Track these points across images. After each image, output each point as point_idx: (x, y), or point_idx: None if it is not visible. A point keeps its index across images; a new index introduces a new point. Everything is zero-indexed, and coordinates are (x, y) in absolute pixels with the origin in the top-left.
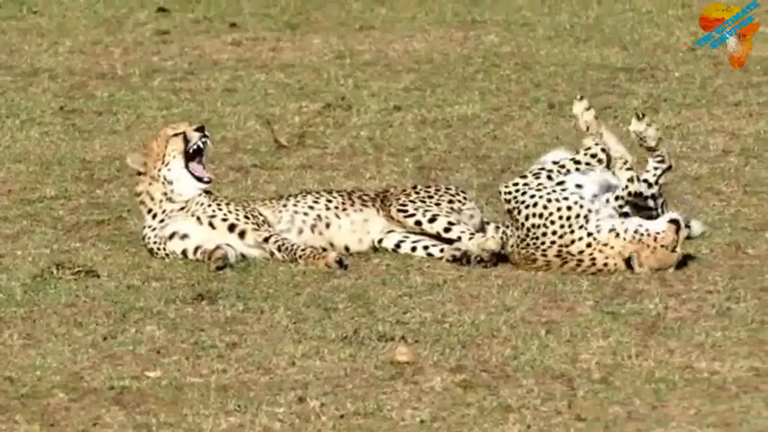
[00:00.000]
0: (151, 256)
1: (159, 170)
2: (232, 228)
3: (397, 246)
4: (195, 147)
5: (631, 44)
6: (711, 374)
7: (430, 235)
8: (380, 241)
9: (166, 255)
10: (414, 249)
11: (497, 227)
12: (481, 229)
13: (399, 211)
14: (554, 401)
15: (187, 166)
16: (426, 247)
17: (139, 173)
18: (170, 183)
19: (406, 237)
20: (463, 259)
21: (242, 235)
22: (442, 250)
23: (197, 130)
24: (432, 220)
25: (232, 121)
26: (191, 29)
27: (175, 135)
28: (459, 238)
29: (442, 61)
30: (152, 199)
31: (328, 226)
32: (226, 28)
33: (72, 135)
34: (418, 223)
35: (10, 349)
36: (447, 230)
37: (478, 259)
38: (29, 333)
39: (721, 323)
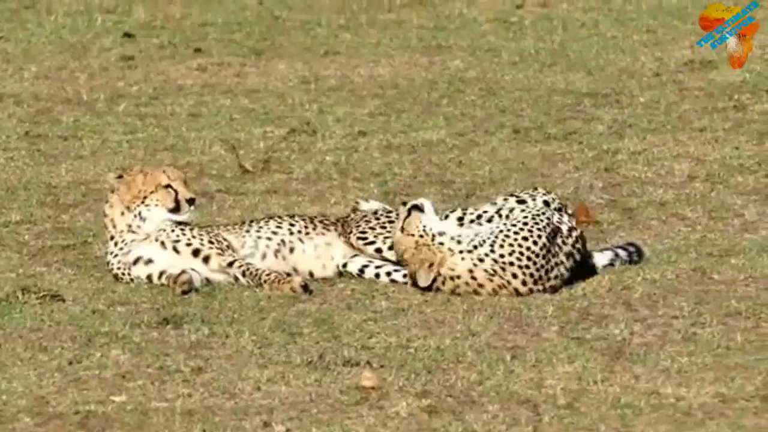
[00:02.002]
0: (116, 281)
1: (136, 205)
2: (196, 253)
3: (361, 271)
4: (180, 218)
5: (596, 69)
6: (677, 400)
7: (392, 261)
8: (345, 265)
9: (131, 280)
10: (378, 275)
11: None
12: None
13: (359, 238)
14: (520, 426)
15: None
16: (389, 273)
17: (112, 190)
18: (142, 220)
19: (370, 261)
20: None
21: (207, 260)
22: (405, 275)
23: (189, 201)
24: (392, 247)
25: (197, 146)
26: (156, 54)
27: (167, 187)
28: None
29: (407, 86)
30: (114, 226)
31: (291, 250)
32: (191, 53)
33: (37, 160)
34: (379, 250)
35: None
36: None
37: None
38: None
39: (687, 348)
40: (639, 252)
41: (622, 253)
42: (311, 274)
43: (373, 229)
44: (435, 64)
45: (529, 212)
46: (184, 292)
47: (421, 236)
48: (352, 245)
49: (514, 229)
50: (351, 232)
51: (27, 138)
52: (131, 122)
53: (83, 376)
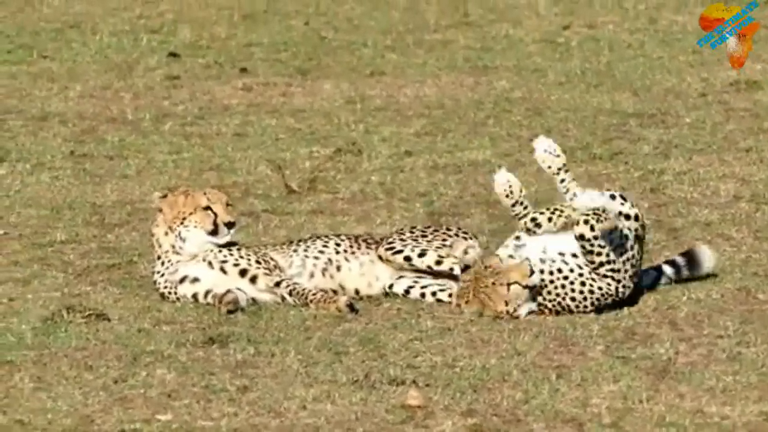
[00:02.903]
0: (162, 300)
1: (176, 225)
2: (243, 273)
3: (407, 291)
4: (219, 240)
5: (642, 90)
6: (721, 419)
7: (432, 274)
8: (390, 286)
9: (177, 299)
10: (423, 295)
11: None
12: None
13: (386, 249)
14: None
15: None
16: (434, 293)
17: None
18: (183, 241)
19: (416, 282)
20: None
21: (254, 280)
22: (450, 295)
23: (228, 225)
24: (422, 254)
25: (242, 166)
26: (202, 74)
27: (207, 209)
28: (451, 270)
29: (452, 106)
30: (160, 246)
31: (338, 269)
32: (237, 73)
33: (82, 179)
34: (408, 258)
35: (21, 393)
36: (438, 263)
37: None
38: (40, 376)
39: (732, 368)
40: (691, 261)
41: (668, 269)
42: (357, 292)
43: (402, 240)
44: (481, 85)
45: None
46: (230, 312)
47: None
48: (380, 257)
49: None
50: (380, 245)
51: (72, 157)
52: (176, 142)
53: (128, 395)
